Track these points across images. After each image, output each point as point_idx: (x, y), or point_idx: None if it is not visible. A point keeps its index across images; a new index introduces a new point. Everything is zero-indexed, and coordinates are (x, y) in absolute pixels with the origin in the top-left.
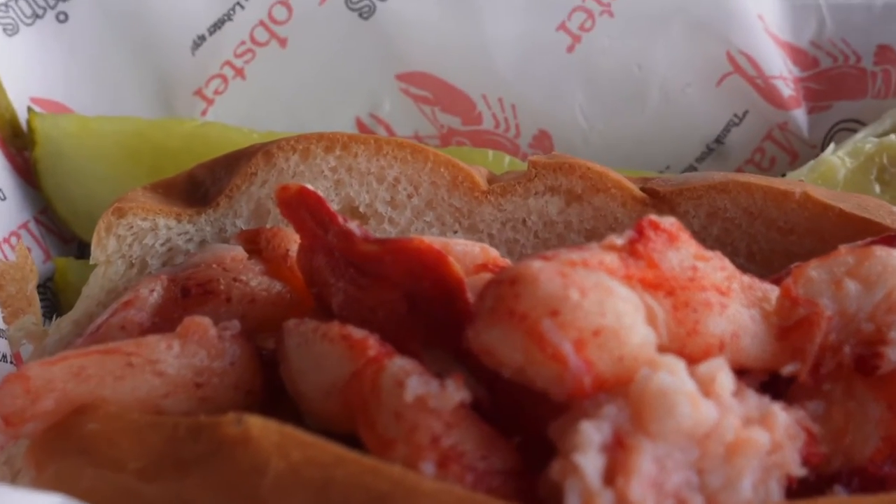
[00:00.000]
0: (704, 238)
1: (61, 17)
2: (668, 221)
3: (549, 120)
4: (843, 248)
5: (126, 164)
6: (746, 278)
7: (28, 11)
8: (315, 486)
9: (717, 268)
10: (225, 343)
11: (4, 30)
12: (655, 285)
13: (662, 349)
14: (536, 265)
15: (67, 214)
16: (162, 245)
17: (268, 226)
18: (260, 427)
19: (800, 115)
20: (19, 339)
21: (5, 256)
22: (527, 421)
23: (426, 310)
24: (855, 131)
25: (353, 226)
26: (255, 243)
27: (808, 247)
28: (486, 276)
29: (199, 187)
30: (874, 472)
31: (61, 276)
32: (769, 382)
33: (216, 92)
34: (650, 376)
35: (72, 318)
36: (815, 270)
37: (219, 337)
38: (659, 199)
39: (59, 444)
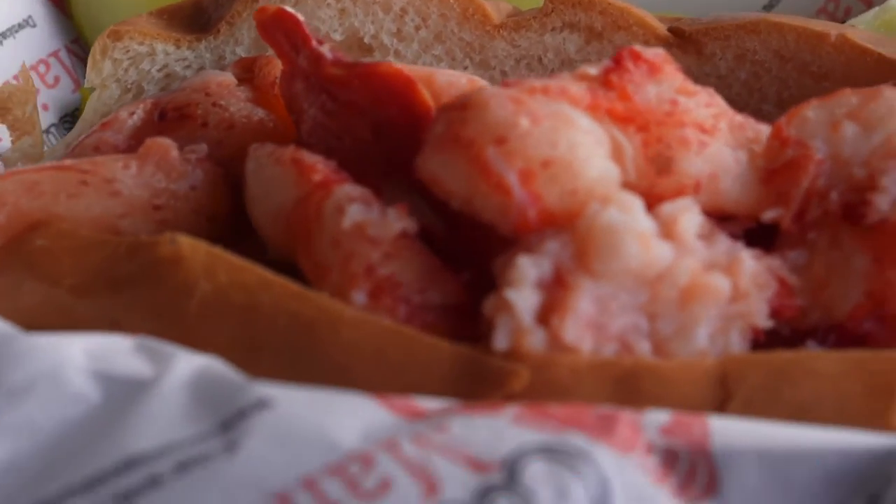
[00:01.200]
0: (731, 82)
1: None
2: (653, 52)
3: None
4: (849, 90)
5: None
6: (739, 117)
7: None
8: (240, 309)
9: (702, 104)
10: (188, 166)
11: None
12: (626, 118)
13: (630, 187)
14: (491, 91)
15: None
16: (159, 71)
17: (269, 55)
18: (189, 247)
19: None
20: (16, 161)
21: None
22: (478, 256)
23: (392, 139)
24: None
25: (325, 49)
26: (250, 72)
27: None
28: None
29: (202, 14)
30: (853, 328)
31: None
32: (758, 232)
33: None
34: (598, 212)
35: (66, 141)
36: (812, 111)
37: (182, 160)
38: (684, 39)
39: (8, 258)
